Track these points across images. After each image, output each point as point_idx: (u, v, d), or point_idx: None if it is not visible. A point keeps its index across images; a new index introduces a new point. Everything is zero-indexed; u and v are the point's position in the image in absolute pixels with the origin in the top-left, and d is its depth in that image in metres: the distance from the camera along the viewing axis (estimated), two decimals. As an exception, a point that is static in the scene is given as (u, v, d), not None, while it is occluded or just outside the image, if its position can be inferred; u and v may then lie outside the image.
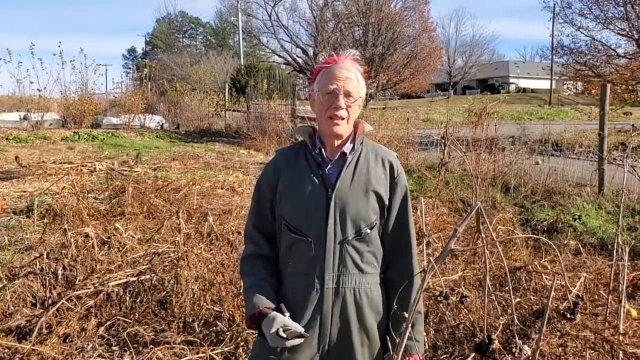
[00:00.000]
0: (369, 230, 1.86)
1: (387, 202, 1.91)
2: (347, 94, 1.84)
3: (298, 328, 1.75)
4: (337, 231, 1.83)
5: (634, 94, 17.95)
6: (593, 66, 18.89)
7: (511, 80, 62.92)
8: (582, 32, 18.88)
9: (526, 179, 9.04)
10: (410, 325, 1.81)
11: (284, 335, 1.71)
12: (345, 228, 1.83)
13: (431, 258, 1.30)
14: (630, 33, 17.73)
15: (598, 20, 18.34)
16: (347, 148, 1.90)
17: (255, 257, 1.96)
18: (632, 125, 8.23)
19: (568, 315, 2.03)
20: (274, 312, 1.77)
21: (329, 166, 1.89)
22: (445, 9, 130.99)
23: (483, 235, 1.58)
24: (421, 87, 40.62)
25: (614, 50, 18.60)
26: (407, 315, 1.43)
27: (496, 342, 1.58)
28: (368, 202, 1.86)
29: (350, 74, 1.86)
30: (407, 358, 1.88)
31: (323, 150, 1.90)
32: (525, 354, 1.64)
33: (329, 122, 1.85)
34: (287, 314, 1.78)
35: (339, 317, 1.85)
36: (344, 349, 1.87)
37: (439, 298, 1.48)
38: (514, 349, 1.65)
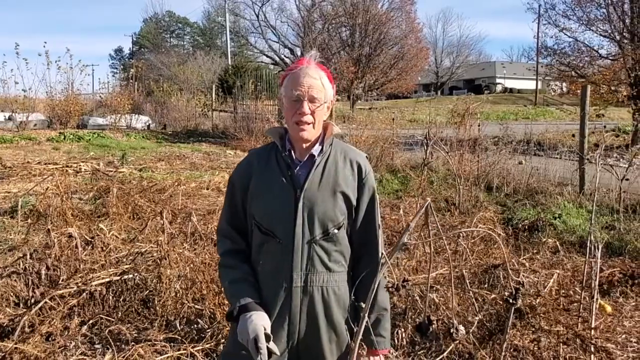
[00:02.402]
0: (336, 231, 1.91)
1: (354, 203, 1.95)
2: (312, 99, 1.87)
3: (274, 348, 1.76)
4: (305, 231, 1.87)
5: (617, 95, 18.18)
6: (576, 67, 19.11)
7: (498, 80, 63.34)
8: (565, 34, 19.11)
9: (509, 178, 9.17)
10: (374, 321, 1.88)
11: (260, 345, 1.72)
12: (313, 228, 1.88)
13: (384, 252, 1.37)
14: (612, 34, 17.95)
15: (581, 22, 18.56)
16: (315, 150, 1.94)
17: (235, 252, 1.99)
18: (604, 126, 8.39)
19: (510, 301, 2.12)
20: (261, 313, 1.81)
21: (298, 168, 1.93)
22: (432, 10, 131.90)
23: (430, 230, 1.64)
24: (408, 87, 40.82)
25: (597, 51, 18.84)
26: (366, 307, 1.49)
27: (435, 323, 1.66)
28: (335, 202, 1.91)
29: (314, 80, 1.88)
30: (374, 358, 1.95)
31: (292, 152, 1.94)
32: (461, 334, 1.72)
33: (296, 127, 1.89)
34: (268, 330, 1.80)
35: (307, 315, 1.90)
36: (312, 345, 1.92)
37: (390, 289, 1.53)
38: (451, 330, 1.73)
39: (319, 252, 1.90)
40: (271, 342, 1.75)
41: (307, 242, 1.88)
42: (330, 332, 1.93)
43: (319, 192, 1.89)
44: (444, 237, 2.53)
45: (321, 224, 1.89)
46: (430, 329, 1.70)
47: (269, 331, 1.77)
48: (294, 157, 1.95)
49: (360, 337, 1.48)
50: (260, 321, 1.78)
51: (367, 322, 1.53)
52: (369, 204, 1.99)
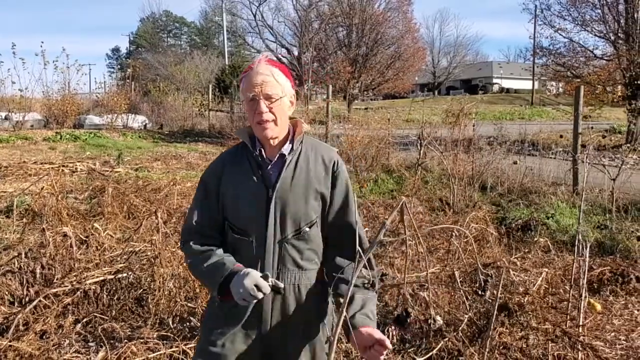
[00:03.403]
0: (307, 229, 1.92)
1: (328, 199, 1.97)
2: (267, 97, 1.88)
3: (278, 282, 1.82)
4: (277, 231, 1.89)
5: (612, 95, 18.27)
6: (572, 67, 19.19)
7: (495, 80, 63.44)
8: (560, 34, 19.19)
9: (503, 178, 9.21)
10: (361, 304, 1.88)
11: (270, 282, 1.77)
12: (285, 227, 1.89)
13: (359, 249, 1.41)
14: (607, 35, 18.03)
15: (576, 22, 18.64)
16: (286, 149, 1.95)
17: (207, 245, 1.97)
18: (591, 127, 8.45)
19: (479, 292, 2.17)
20: (250, 269, 1.82)
21: (269, 167, 1.94)
22: (429, 10, 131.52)
23: (406, 229, 1.67)
24: (405, 87, 40.82)
25: (592, 51, 18.91)
26: (344, 302, 1.53)
27: (412, 315, 1.70)
28: (308, 201, 1.92)
29: (267, 77, 1.89)
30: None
31: (263, 151, 1.95)
32: (438, 324, 1.76)
33: (258, 127, 1.90)
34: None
35: (279, 312, 1.91)
36: (285, 344, 1.94)
37: (366, 285, 1.58)
38: (429, 320, 1.78)
39: (291, 251, 1.91)
40: (272, 279, 1.80)
41: (279, 241, 1.90)
42: (303, 329, 1.94)
43: (291, 191, 1.90)
44: (419, 235, 2.57)
45: (293, 223, 1.90)
46: (408, 320, 1.73)
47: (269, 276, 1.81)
48: (265, 156, 1.95)
49: (339, 329, 1.51)
50: (253, 272, 1.80)
51: (345, 316, 1.55)
52: (344, 197, 1.99)
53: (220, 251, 1.94)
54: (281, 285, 1.83)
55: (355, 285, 1.81)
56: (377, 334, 1.77)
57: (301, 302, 1.93)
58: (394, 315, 1.76)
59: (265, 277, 1.79)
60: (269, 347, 1.94)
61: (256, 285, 1.76)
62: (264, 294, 1.78)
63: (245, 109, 1.95)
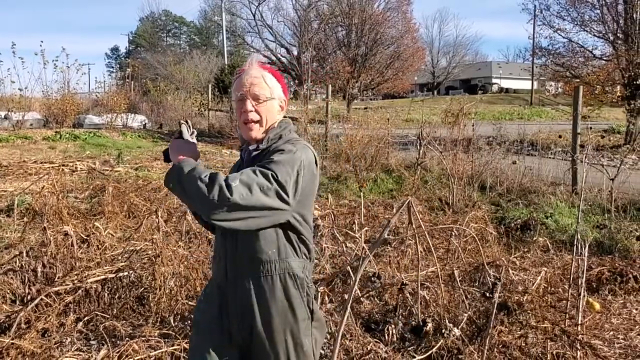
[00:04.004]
0: None
1: None
2: (255, 97, 1.94)
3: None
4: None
5: (611, 95, 18.30)
6: (571, 67, 19.21)
7: (494, 80, 63.47)
8: (559, 34, 19.20)
9: (502, 178, 9.23)
10: None
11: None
12: None
13: (365, 246, 1.43)
14: (606, 35, 18.05)
15: (575, 23, 18.66)
16: (252, 146, 2.02)
17: None
18: (590, 127, 8.48)
19: (487, 295, 2.18)
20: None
21: (244, 162, 2.04)
22: (428, 10, 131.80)
23: (414, 226, 1.69)
24: (404, 87, 40.84)
25: (591, 52, 18.93)
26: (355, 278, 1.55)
27: (429, 325, 1.72)
28: None
29: (256, 79, 1.96)
30: None
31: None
32: (454, 335, 1.78)
33: (244, 128, 1.97)
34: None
35: (243, 301, 1.95)
36: (264, 330, 1.94)
37: (372, 279, 1.60)
38: (444, 331, 1.79)
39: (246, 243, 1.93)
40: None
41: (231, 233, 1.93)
42: (279, 317, 1.94)
43: None
44: (425, 234, 2.59)
45: None
46: (424, 330, 1.77)
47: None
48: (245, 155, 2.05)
49: (343, 326, 1.54)
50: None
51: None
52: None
53: None
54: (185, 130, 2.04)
55: None
56: None
57: (280, 290, 1.94)
58: (411, 325, 1.78)
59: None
60: (250, 338, 1.96)
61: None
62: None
63: (236, 110, 2.01)
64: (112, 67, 73.17)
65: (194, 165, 1.81)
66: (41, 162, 11.29)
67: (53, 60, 20.25)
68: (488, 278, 2.34)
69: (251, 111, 1.92)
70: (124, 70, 33.80)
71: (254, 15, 40.90)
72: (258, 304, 1.91)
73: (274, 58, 41.35)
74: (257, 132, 1.96)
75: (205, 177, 1.74)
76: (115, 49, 78.06)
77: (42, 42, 19.50)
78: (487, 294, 2.22)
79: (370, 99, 40.03)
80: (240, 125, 1.98)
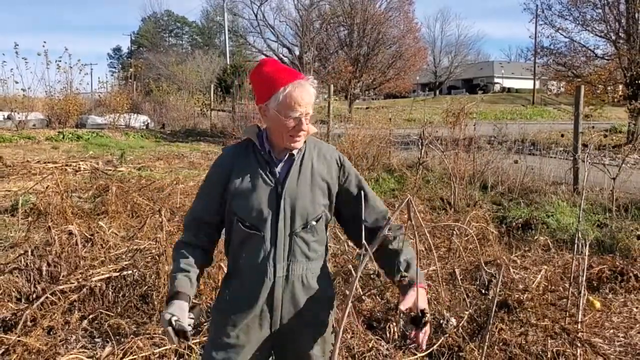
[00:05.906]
0: (314, 223, 2.02)
1: (335, 192, 2.10)
2: (307, 116, 1.98)
3: (185, 326, 1.83)
4: (286, 225, 1.98)
5: (613, 94, 18.31)
6: (572, 67, 19.22)
7: (496, 80, 63.46)
8: (561, 34, 19.23)
9: (504, 177, 9.24)
10: (406, 266, 1.99)
11: (173, 324, 1.81)
12: (294, 221, 1.99)
13: (365, 242, 1.47)
14: (608, 35, 18.05)
15: (577, 22, 18.67)
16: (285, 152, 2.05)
17: (192, 246, 2.06)
18: (592, 127, 8.50)
19: (482, 291, 2.21)
20: (177, 302, 1.90)
21: (279, 166, 2.03)
22: (430, 10, 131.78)
23: (414, 224, 1.73)
24: (406, 87, 40.79)
25: (593, 51, 18.94)
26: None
27: (428, 316, 1.75)
28: (314, 196, 2.02)
29: (312, 98, 2.00)
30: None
31: (272, 151, 2.04)
32: (451, 324, 1.81)
33: (290, 139, 1.99)
34: (187, 311, 1.90)
35: (289, 302, 2.01)
36: (295, 329, 2.03)
37: (372, 276, 1.63)
38: (441, 321, 1.82)
39: (299, 243, 2.01)
40: (179, 323, 1.81)
41: (289, 234, 1.99)
42: (311, 316, 2.04)
43: (299, 187, 2.00)
44: (425, 232, 2.62)
45: (301, 217, 2.00)
46: (424, 320, 1.79)
47: (177, 317, 1.84)
48: (273, 156, 2.04)
49: (344, 323, 1.57)
50: (169, 309, 1.87)
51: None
52: (357, 182, 2.14)
53: (189, 260, 2.02)
54: (187, 328, 1.84)
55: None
56: (422, 304, 1.90)
57: (310, 290, 2.03)
58: (410, 315, 1.79)
59: (191, 307, 1.92)
60: (281, 337, 2.04)
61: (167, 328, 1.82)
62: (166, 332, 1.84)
63: (279, 120, 1.97)
64: (115, 67, 73.47)
65: None
66: (44, 162, 11.35)
67: (56, 61, 20.36)
68: (484, 276, 2.37)
69: (306, 130, 1.99)
70: (126, 70, 33.87)
71: (255, 15, 40.90)
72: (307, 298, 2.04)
73: (276, 58, 41.34)
74: (301, 143, 2.03)
75: None
76: (117, 49, 78.35)
77: (45, 42, 19.66)
78: (483, 291, 2.25)
79: (372, 99, 40.05)
80: (283, 135, 1.98)
